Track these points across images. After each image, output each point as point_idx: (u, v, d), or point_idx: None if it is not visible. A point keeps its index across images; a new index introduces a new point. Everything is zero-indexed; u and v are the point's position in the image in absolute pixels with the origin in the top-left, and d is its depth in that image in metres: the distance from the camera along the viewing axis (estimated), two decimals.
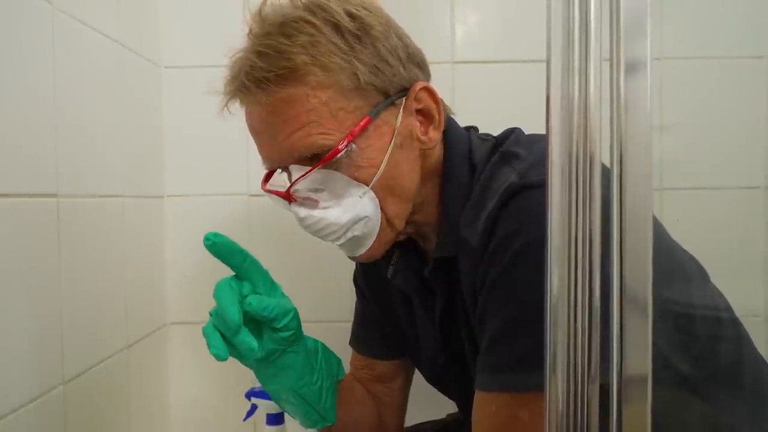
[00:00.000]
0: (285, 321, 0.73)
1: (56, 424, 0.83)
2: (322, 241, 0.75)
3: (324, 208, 0.72)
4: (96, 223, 0.96)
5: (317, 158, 0.70)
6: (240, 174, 1.23)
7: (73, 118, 0.89)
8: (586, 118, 0.43)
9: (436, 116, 0.76)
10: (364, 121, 0.70)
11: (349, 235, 0.73)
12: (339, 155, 0.69)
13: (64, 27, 0.87)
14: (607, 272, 0.43)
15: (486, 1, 1.22)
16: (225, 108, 0.77)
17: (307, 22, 0.69)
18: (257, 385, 1.16)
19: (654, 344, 0.43)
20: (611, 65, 0.42)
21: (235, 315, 0.68)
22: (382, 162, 0.72)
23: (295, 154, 0.71)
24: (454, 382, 0.89)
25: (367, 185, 0.72)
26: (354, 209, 0.72)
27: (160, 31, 1.21)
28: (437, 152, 0.79)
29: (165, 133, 1.23)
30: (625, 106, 0.42)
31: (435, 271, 0.79)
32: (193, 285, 1.24)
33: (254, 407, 1.03)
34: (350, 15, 0.71)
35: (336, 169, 0.71)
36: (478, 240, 0.70)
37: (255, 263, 0.73)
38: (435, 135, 0.77)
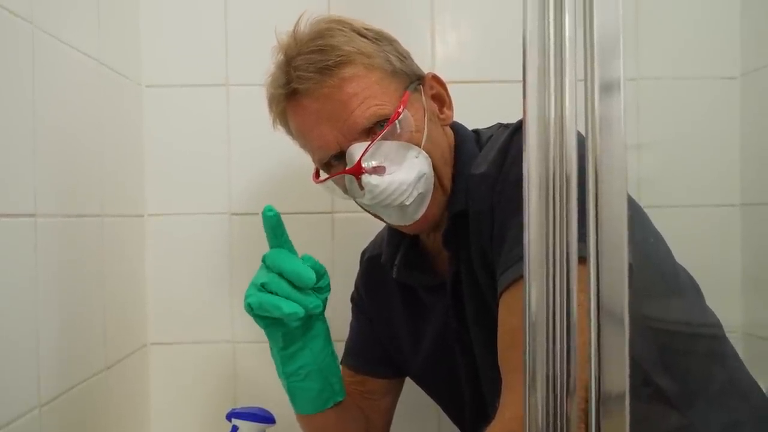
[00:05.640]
0: (326, 279, 0.87)
1: None
2: (388, 208, 0.85)
3: (391, 173, 0.83)
4: (75, 243, 0.95)
5: (374, 132, 0.83)
6: (221, 193, 1.23)
7: (53, 137, 0.88)
8: (562, 137, 0.44)
9: (447, 98, 0.92)
10: (406, 94, 0.85)
11: (415, 193, 0.84)
12: (399, 118, 0.83)
13: (44, 46, 0.87)
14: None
15: (465, 22, 1.24)
16: (277, 119, 0.91)
17: (338, 29, 0.85)
18: (238, 405, 1.15)
19: (635, 358, 0.43)
20: (585, 85, 0.43)
21: (311, 273, 0.82)
22: (425, 128, 0.86)
23: (359, 127, 0.83)
24: (462, 356, 0.91)
25: (419, 146, 0.84)
26: (414, 168, 0.83)
27: (141, 50, 1.22)
28: (449, 139, 0.91)
29: (146, 152, 1.22)
30: (600, 126, 0.43)
31: (448, 233, 0.87)
32: (174, 305, 1.23)
33: (235, 428, 1.02)
34: (364, 27, 0.87)
35: (392, 139, 0.83)
36: (490, 164, 0.82)
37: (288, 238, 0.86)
38: (450, 113, 0.92)
